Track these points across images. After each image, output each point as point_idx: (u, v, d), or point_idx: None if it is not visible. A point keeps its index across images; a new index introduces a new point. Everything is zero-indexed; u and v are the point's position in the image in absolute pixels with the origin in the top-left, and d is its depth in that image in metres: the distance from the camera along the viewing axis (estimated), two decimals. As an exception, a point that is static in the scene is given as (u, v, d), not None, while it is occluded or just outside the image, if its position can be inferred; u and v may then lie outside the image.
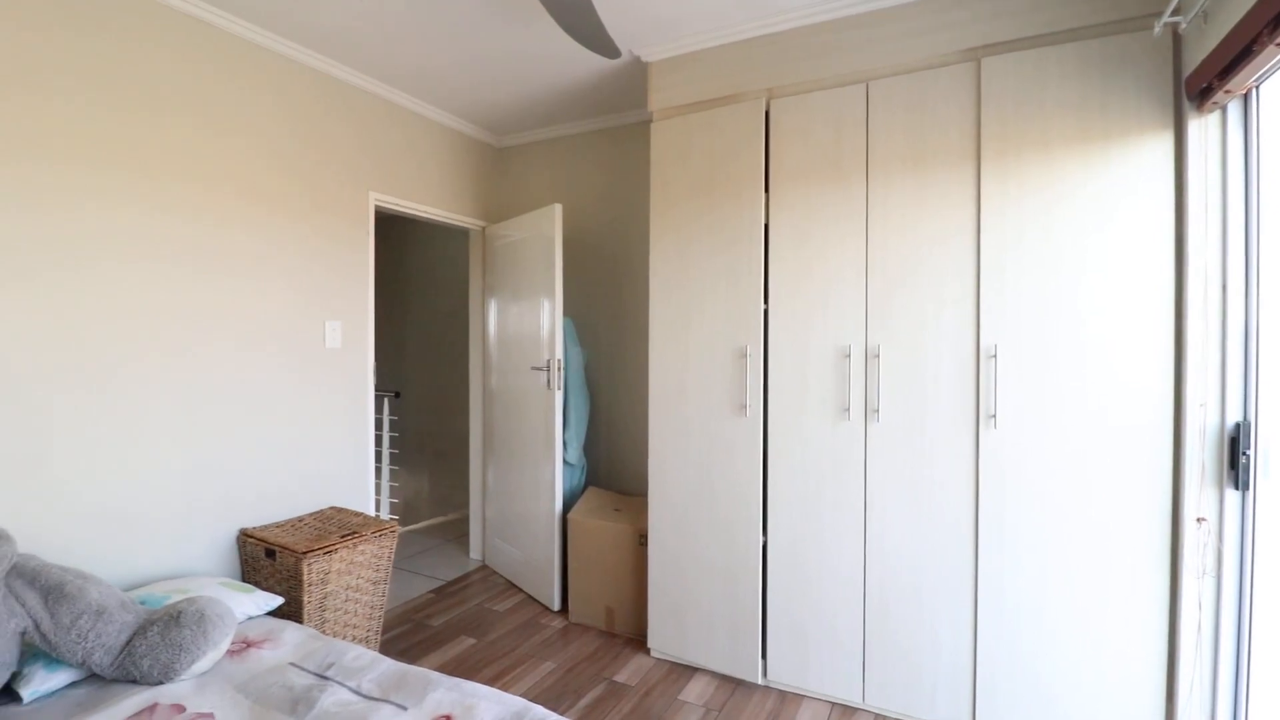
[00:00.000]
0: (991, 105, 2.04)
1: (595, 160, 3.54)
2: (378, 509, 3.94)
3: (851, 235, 2.25)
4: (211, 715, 1.51)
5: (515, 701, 1.56)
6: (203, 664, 1.67)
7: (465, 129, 3.59)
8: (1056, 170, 1.95)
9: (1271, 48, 1.32)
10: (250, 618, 2.02)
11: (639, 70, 2.84)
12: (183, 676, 1.64)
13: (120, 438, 2.11)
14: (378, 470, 3.99)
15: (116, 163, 2.10)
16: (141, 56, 2.16)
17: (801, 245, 2.34)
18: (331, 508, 2.75)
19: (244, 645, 1.84)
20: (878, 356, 2.21)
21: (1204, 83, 1.62)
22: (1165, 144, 1.83)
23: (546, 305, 3.13)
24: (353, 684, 1.64)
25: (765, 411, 2.41)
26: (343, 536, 2.38)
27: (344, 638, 2.35)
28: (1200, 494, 1.76)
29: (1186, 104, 1.78)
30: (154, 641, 1.63)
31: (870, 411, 2.22)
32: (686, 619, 2.56)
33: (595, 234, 3.54)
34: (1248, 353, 1.69)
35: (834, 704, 2.32)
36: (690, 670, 2.56)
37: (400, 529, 2.60)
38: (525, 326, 3.34)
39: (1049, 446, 1.97)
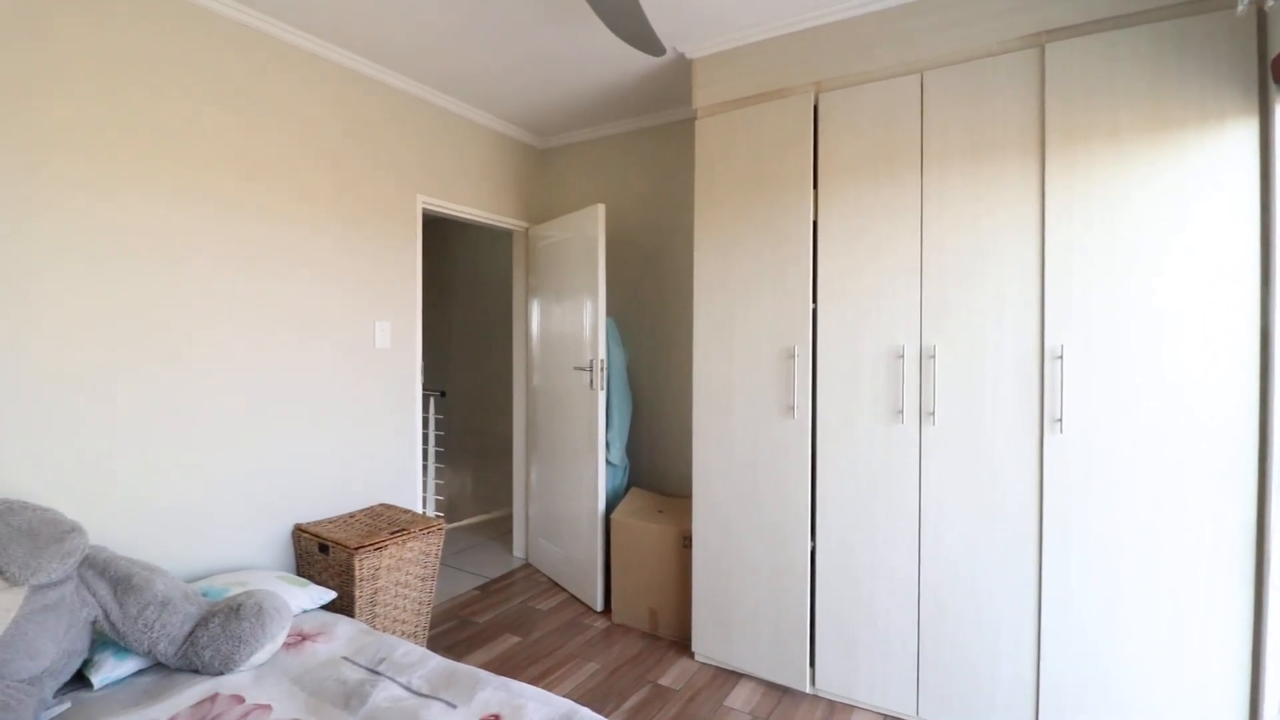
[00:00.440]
0: (1056, 94, 1.94)
1: (637, 160, 3.52)
2: (424, 506, 4.01)
3: (905, 232, 2.18)
4: (269, 707, 1.55)
5: (562, 703, 1.55)
6: (260, 656, 1.71)
7: (509, 131, 3.63)
8: (1128, 162, 1.85)
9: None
10: (305, 611, 2.06)
11: (683, 67, 2.81)
12: (242, 668, 1.68)
13: (181, 433, 2.19)
14: (424, 468, 4.06)
15: (183, 160, 2.18)
16: (221, 68, 2.28)
17: (852, 243, 2.27)
18: (381, 504, 2.81)
19: (299, 638, 1.88)
20: (933, 357, 2.13)
21: (1296, 63, 1.51)
22: (1249, 131, 1.72)
23: (589, 305, 3.13)
24: (403, 680, 1.65)
25: (814, 413, 2.35)
26: (392, 533, 2.42)
27: (393, 633, 2.39)
28: (1289, 503, 1.65)
29: (1273, 87, 1.67)
30: (215, 633, 1.68)
31: (925, 414, 2.15)
32: (732, 623, 2.52)
33: (638, 233, 3.53)
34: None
35: (886, 716, 2.25)
36: (735, 676, 2.52)
37: (446, 526, 2.63)
38: (568, 326, 3.34)
39: (1121, 450, 1.87)
